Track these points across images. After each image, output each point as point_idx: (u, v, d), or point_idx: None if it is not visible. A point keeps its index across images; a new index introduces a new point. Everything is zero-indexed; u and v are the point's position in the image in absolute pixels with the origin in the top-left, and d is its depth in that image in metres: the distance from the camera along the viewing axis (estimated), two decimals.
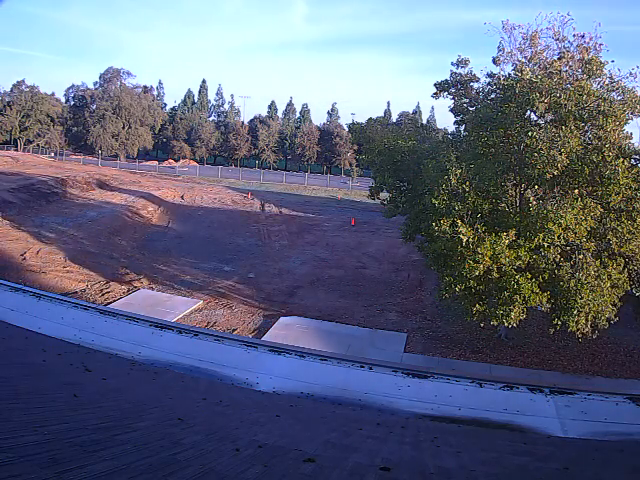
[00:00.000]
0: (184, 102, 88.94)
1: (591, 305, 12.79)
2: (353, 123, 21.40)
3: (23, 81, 75.46)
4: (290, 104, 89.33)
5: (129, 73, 78.67)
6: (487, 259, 13.25)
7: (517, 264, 13.36)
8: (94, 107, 76.01)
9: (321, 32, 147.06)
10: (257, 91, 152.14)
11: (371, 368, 10.58)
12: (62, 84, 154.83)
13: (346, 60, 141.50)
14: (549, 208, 13.30)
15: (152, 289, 21.88)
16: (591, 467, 5.20)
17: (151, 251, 28.86)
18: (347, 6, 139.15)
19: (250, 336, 16.91)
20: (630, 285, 14.34)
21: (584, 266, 13.38)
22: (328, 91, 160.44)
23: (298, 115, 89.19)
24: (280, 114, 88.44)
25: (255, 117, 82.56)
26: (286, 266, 26.93)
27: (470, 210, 14.21)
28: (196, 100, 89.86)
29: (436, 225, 14.03)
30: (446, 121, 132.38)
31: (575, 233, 13.14)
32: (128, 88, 77.89)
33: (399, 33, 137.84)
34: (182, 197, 44.62)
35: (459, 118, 17.73)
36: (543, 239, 13.27)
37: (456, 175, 13.90)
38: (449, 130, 20.37)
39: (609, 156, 13.03)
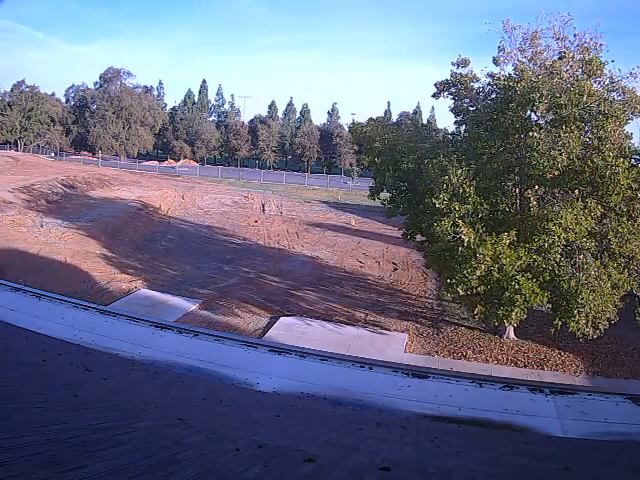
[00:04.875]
0: (184, 102, 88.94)
1: (591, 305, 12.77)
2: (353, 123, 21.36)
3: (23, 81, 75.68)
4: (290, 104, 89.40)
5: (129, 73, 78.82)
6: (488, 259, 13.25)
7: (518, 264, 13.36)
8: (94, 107, 76.05)
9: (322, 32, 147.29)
10: (257, 91, 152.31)
11: (371, 368, 10.60)
12: (62, 84, 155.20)
13: (347, 60, 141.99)
14: (549, 208, 13.30)
15: (152, 289, 21.88)
16: (591, 467, 5.19)
17: (151, 251, 28.87)
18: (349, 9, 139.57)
19: (250, 336, 16.90)
20: (631, 285, 14.32)
21: (584, 266, 13.37)
22: (328, 91, 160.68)
23: (298, 115, 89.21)
24: (280, 114, 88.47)
25: (255, 117, 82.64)
26: (286, 266, 26.92)
27: (471, 210, 14.20)
28: (196, 100, 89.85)
29: (437, 225, 14.01)
30: (446, 121, 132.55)
31: (575, 233, 13.12)
32: (128, 88, 77.91)
33: (399, 32, 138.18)
34: (182, 197, 44.63)
35: (459, 118, 17.68)
36: (544, 239, 13.27)
37: (457, 175, 13.88)
38: (449, 130, 20.32)
39: (609, 156, 13.01)
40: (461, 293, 14.04)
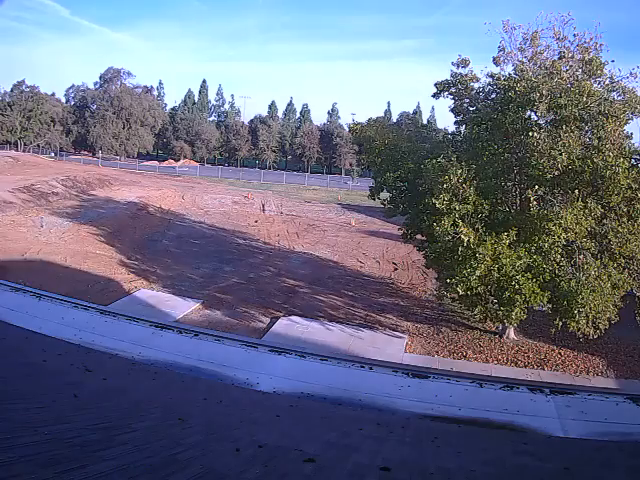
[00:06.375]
0: (184, 102, 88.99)
1: (591, 305, 12.76)
2: (353, 123, 21.35)
3: (23, 81, 75.63)
4: (290, 104, 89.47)
5: (129, 73, 78.94)
6: (488, 259, 13.25)
7: (518, 264, 13.35)
8: (94, 107, 76.09)
9: (322, 33, 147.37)
10: (257, 91, 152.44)
11: (371, 368, 10.60)
12: (62, 84, 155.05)
13: (347, 61, 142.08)
14: (549, 209, 13.30)
15: (152, 289, 21.88)
16: (591, 467, 5.19)
17: (151, 251, 28.87)
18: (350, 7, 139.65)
19: (250, 336, 16.90)
20: (631, 285, 14.31)
21: (584, 267, 13.36)
22: (328, 91, 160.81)
23: (298, 115, 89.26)
24: (280, 114, 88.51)
25: (255, 117, 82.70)
26: (286, 266, 26.92)
27: (471, 210, 14.20)
28: (196, 100, 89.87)
29: (437, 225, 14.01)
30: (446, 121, 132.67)
31: (575, 233, 13.12)
32: (128, 88, 77.99)
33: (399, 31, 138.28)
34: (182, 197, 44.63)
35: (459, 118, 17.69)
36: (544, 240, 13.27)
37: (457, 175, 13.88)
38: (449, 130, 20.32)
39: (609, 156, 13.01)
40: (461, 293, 14.03)
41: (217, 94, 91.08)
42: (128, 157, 76.86)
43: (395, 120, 71.37)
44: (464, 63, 16.54)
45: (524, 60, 15.44)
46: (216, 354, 10.90)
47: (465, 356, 16.22)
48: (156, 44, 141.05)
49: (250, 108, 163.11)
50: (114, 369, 8.66)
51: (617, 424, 8.00)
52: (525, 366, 15.62)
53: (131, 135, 76.13)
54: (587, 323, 13.08)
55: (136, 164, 69.44)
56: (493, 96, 16.11)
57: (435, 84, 17.27)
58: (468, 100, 17.19)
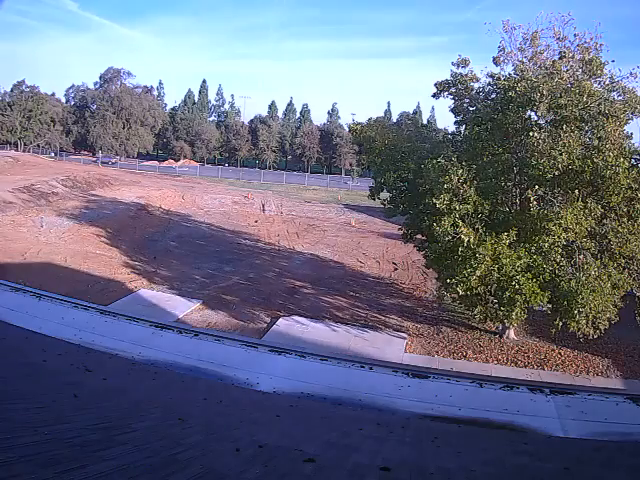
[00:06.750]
0: (184, 102, 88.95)
1: (592, 305, 12.77)
2: (353, 123, 21.36)
3: (23, 81, 75.56)
4: (290, 104, 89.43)
5: (129, 73, 78.89)
6: (488, 259, 13.25)
7: (518, 264, 13.36)
8: (94, 107, 76.07)
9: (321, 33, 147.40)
10: (257, 91, 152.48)
11: (371, 368, 10.60)
12: (63, 84, 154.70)
13: (347, 61, 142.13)
14: (549, 209, 13.30)
15: (152, 289, 21.88)
16: (591, 467, 5.19)
17: (151, 251, 28.86)
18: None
19: (250, 336, 16.89)
20: (631, 285, 14.31)
21: (584, 267, 13.37)
22: (328, 91, 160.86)
23: (298, 115, 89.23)
24: (280, 114, 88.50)
25: (255, 117, 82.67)
26: (286, 266, 26.92)
27: (471, 210, 14.20)
28: (196, 100, 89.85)
29: (437, 225, 14.01)
30: (446, 121, 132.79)
31: (575, 233, 13.12)
32: (128, 88, 77.96)
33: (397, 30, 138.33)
34: (182, 197, 44.62)
35: (459, 118, 17.70)
36: (544, 240, 13.27)
37: (458, 175, 13.88)
38: (449, 130, 20.32)
39: (610, 156, 13.01)
40: (461, 293, 14.04)
41: (217, 94, 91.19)
42: (128, 157, 76.83)
43: (395, 120, 71.34)
44: (464, 63, 16.55)
45: (524, 60, 15.45)
46: (216, 354, 10.90)
47: (465, 356, 16.22)
48: (166, 41, 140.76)
49: (250, 108, 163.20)
50: (114, 369, 8.66)
51: (617, 424, 8.00)
52: (525, 366, 15.62)
53: (131, 135, 76.09)
54: (587, 323, 13.08)
55: (136, 164, 69.43)
56: (493, 96, 16.11)
57: (435, 84, 17.27)
58: (468, 100, 17.19)
